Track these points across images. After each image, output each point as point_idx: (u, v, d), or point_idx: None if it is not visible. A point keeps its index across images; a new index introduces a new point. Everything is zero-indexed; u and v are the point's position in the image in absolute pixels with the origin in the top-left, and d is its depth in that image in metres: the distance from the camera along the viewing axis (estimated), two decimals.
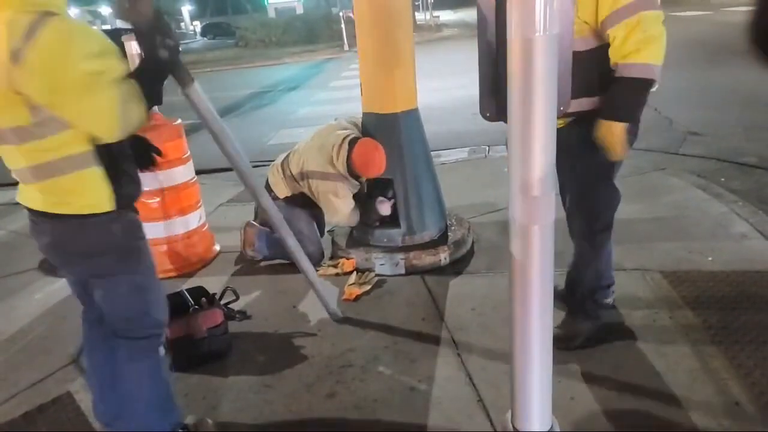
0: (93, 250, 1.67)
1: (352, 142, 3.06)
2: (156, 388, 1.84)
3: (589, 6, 1.84)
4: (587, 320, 2.31)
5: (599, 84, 1.93)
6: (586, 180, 2.13)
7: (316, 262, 3.26)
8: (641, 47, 1.80)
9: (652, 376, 2.12)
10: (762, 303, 2.49)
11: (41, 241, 1.70)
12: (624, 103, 1.90)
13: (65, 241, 1.66)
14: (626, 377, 2.13)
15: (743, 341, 2.25)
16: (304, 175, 3.15)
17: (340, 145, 3.06)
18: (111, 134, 1.54)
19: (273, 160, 3.44)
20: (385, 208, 3.19)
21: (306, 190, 3.20)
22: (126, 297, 1.74)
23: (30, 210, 1.66)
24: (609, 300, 2.41)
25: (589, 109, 1.96)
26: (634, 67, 1.83)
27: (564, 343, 2.27)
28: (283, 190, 3.24)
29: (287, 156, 3.31)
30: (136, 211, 1.77)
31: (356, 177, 3.15)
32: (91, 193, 1.60)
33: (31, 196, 1.64)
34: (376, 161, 3.03)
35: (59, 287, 3.29)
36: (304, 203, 3.25)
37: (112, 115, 1.49)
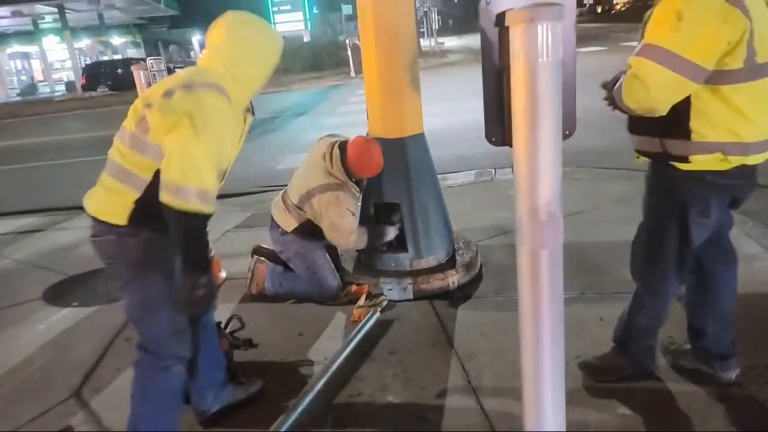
0: (106, 256, 1.85)
1: (342, 145, 3.02)
2: (153, 409, 1.92)
3: None
4: (630, 360, 2.18)
5: (657, 125, 1.82)
6: (646, 218, 2.06)
7: (336, 296, 3.15)
8: (625, 85, 1.74)
9: (667, 402, 2.07)
10: None
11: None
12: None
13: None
14: (642, 403, 2.08)
15: (760, 366, 2.20)
16: (305, 198, 3.03)
17: (331, 153, 3.01)
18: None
19: (281, 185, 3.41)
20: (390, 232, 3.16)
21: (309, 214, 3.07)
22: (135, 309, 1.87)
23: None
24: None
25: (654, 151, 1.89)
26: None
27: (599, 376, 2.21)
28: (290, 223, 3.13)
29: (286, 189, 3.25)
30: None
31: (357, 182, 3.10)
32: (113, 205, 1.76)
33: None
34: (373, 156, 2.96)
35: (62, 318, 3.30)
36: (314, 231, 3.10)
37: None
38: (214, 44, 1.86)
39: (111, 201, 1.78)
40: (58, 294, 3.67)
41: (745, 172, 1.85)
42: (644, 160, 1.97)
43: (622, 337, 2.20)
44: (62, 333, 3.11)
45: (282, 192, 3.29)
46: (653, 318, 2.12)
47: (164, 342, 1.88)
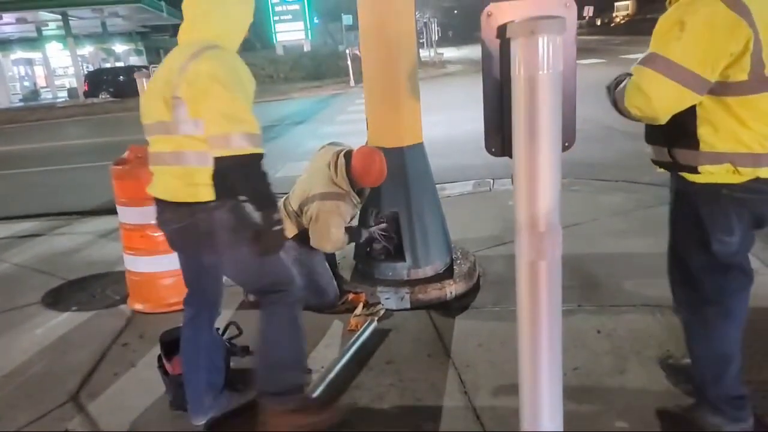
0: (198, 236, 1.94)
1: (348, 154, 3.02)
2: (294, 339, 2.13)
3: None
4: (717, 415, 1.92)
5: (666, 134, 1.79)
6: (674, 236, 1.95)
7: (333, 304, 3.14)
8: (627, 92, 1.72)
9: (664, 416, 2.06)
10: None
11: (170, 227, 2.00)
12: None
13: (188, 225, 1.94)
14: (639, 417, 2.07)
15: (756, 381, 2.19)
16: (305, 203, 3.03)
17: (336, 162, 3.01)
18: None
19: (280, 193, 3.40)
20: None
21: (304, 218, 3.05)
22: (254, 268, 2.01)
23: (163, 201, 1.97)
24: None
25: (663, 161, 1.84)
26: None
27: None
28: (290, 229, 3.11)
29: (287, 196, 3.24)
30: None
31: (359, 192, 3.09)
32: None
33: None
34: (377, 165, 2.95)
35: (61, 322, 3.29)
36: None
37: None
38: (190, 16, 1.95)
39: (189, 184, 1.86)
40: (57, 298, 3.66)
41: (763, 187, 1.74)
42: (663, 171, 1.92)
43: (696, 382, 2.01)
44: (60, 337, 3.10)
45: (283, 199, 3.29)
46: (714, 347, 1.92)
47: (292, 278, 2.11)
